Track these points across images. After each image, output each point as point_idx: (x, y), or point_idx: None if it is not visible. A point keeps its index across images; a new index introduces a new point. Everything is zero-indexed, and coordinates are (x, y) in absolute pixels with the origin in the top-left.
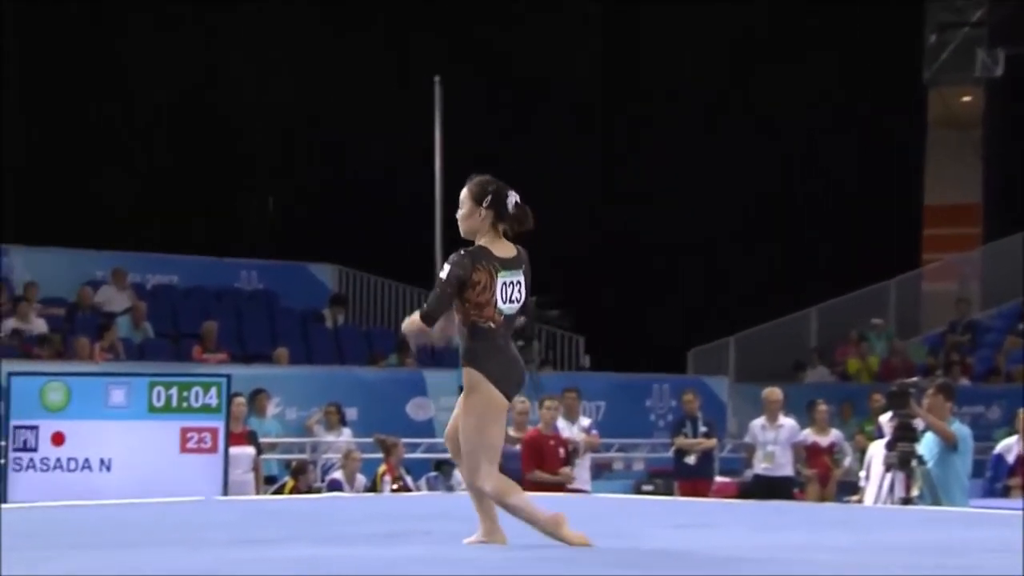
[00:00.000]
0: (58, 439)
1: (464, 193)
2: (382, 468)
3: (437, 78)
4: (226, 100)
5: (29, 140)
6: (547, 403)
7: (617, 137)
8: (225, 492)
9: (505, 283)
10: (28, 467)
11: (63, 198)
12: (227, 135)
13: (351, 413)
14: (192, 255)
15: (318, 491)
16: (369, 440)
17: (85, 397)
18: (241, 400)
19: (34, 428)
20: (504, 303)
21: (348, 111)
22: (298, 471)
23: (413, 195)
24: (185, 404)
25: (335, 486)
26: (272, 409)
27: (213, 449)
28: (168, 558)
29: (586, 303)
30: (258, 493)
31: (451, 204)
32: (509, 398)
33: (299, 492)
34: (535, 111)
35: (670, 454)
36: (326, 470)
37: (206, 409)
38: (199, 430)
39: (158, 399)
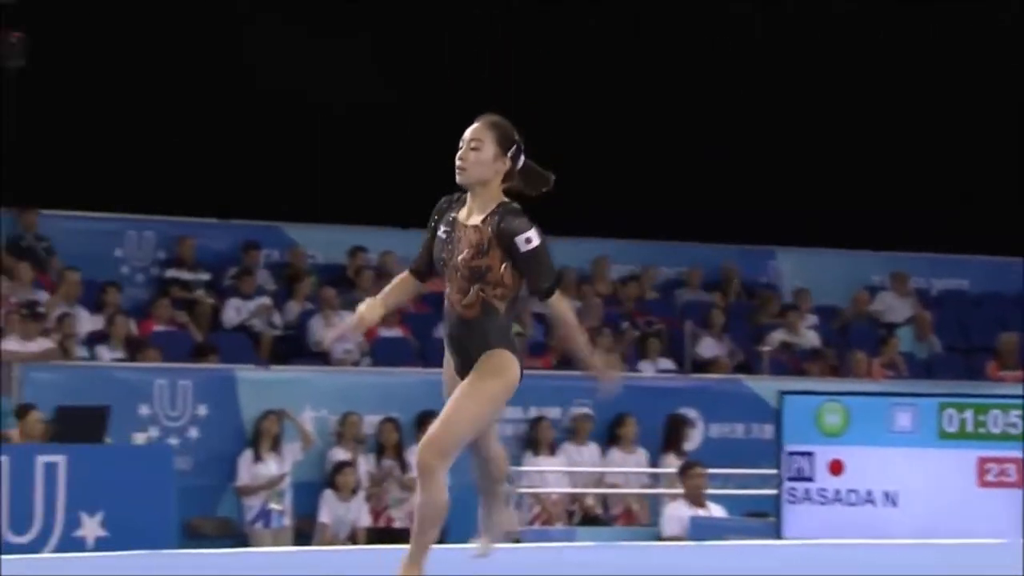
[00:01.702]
0: (836, 467)
1: (484, 133)
2: None
3: None
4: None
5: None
6: None
7: None
8: None
9: None
10: (804, 499)
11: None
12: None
13: None
14: (984, 255)
15: None
16: None
17: (866, 420)
18: None
19: (809, 455)
20: None
21: None
22: None
23: None
24: (982, 430)
25: None
26: None
27: (1017, 483)
28: None
29: None
30: None
31: None
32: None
33: None
34: None
35: None
36: None
37: (1006, 436)
38: (999, 460)
39: (950, 424)
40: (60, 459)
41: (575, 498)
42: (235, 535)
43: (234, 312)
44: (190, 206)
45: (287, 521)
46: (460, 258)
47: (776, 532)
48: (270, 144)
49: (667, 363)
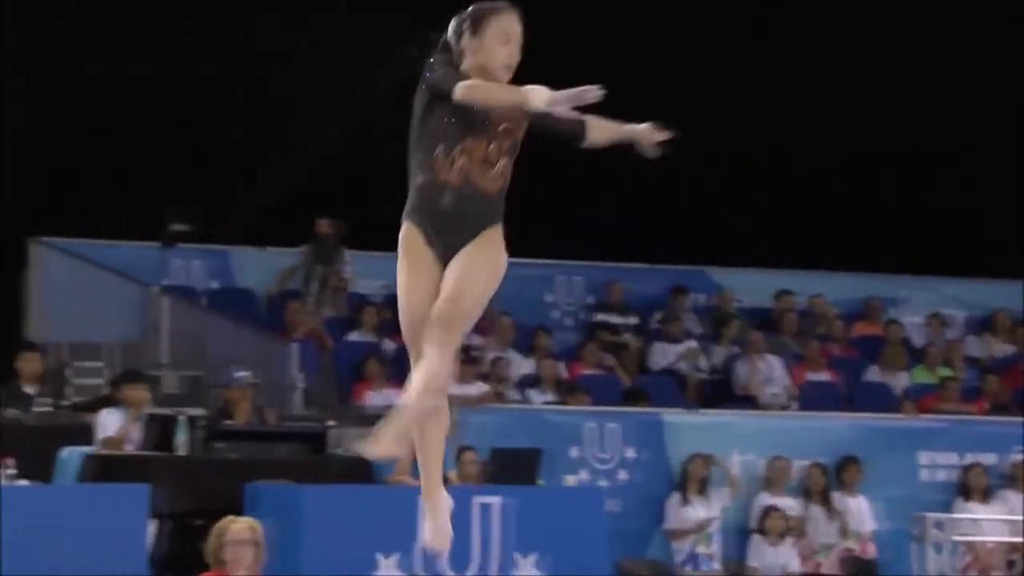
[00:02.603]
0: None
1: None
2: None
3: None
4: None
5: None
6: None
7: None
8: None
9: None
10: None
11: None
12: None
13: None
14: None
15: None
16: None
17: None
18: None
19: None
20: None
21: None
22: None
23: None
24: None
25: None
26: None
27: None
28: None
29: None
30: None
31: None
32: None
33: None
34: None
35: None
36: None
37: None
38: None
39: None
40: (495, 500)
41: (1016, 547)
42: None
43: (661, 355)
44: (619, 252)
45: (716, 565)
46: (504, 127)
47: None
48: (699, 191)
49: None
